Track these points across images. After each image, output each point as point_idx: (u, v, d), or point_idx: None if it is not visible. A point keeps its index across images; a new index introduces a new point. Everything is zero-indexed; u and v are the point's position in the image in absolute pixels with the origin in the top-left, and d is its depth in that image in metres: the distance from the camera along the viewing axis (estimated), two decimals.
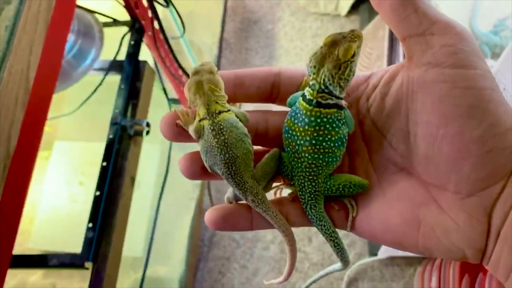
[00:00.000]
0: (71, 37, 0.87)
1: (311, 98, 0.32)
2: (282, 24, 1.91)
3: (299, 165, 0.34)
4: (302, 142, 0.33)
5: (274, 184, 0.38)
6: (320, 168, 0.34)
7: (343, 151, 0.34)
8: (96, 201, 0.77)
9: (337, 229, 0.35)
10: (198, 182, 1.47)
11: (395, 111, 0.32)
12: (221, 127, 0.33)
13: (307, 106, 0.33)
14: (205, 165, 0.34)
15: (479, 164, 0.28)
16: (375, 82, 0.34)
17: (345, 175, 0.35)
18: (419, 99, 0.30)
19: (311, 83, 0.33)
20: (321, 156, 0.33)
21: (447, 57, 0.28)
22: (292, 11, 1.95)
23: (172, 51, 1.04)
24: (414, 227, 0.30)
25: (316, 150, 0.33)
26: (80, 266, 0.72)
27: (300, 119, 0.33)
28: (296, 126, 0.33)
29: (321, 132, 0.33)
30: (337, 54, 0.31)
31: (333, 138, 0.33)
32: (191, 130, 0.34)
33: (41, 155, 0.91)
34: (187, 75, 1.11)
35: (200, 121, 0.34)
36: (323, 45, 0.32)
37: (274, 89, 0.36)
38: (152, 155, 1.16)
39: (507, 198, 0.27)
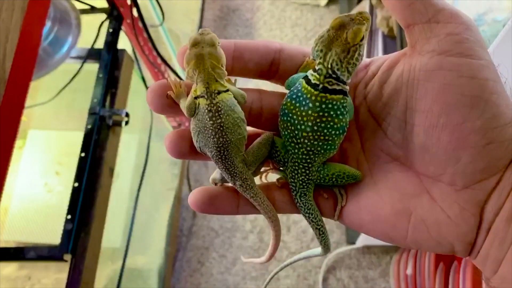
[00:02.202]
0: (47, 24, 0.84)
1: (317, 82, 0.31)
2: (261, 13, 1.90)
3: (296, 150, 0.33)
4: (302, 127, 0.32)
5: (263, 169, 0.37)
6: (317, 155, 0.33)
7: (342, 140, 0.33)
8: (75, 192, 0.76)
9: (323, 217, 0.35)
10: (177, 171, 1.46)
11: (393, 99, 0.31)
12: (219, 109, 0.31)
13: (312, 90, 0.31)
14: (195, 145, 0.32)
15: (477, 156, 0.27)
16: (375, 69, 0.33)
17: (339, 165, 0.34)
18: (420, 87, 0.29)
19: (317, 67, 0.31)
20: (320, 143, 0.32)
21: (453, 45, 0.28)
22: (271, 0, 1.94)
23: (151, 39, 1.02)
24: (404, 218, 0.30)
25: (316, 136, 0.32)
26: (59, 258, 0.70)
27: (304, 103, 0.32)
28: (297, 110, 0.32)
29: (324, 119, 0.31)
30: (345, 37, 0.30)
31: (336, 126, 0.32)
32: (182, 105, 0.32)
33: (15, 144, 0.88)
34: (166, 63, 1.09)
35: (196, 98, 0.32)
36: (330, 28, 0.31)
37: (273, 66, 0.34)
38: (131, 145, 1.15)
39: (501, 192, 0.27)
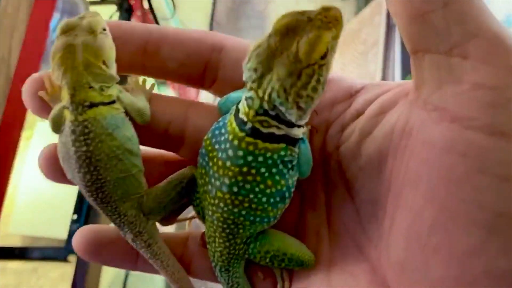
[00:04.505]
0: (55, 16, 0.82)
1: (245, 119, 0.20)
2: (275, 4, 1.86)
3: (210, 213, 0.23)
4: (217, 183, 0.21)
5: (191, 214, 0.26)
6: (240, 227, 0.22)
7: (282, 209, 0.23)
8: (81, 192, 0.74)
9: None
10: None
11: (373, 167, 0.22)
12: (87, 131, 0.21)
13: (237, 130, 0.21)
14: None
15: None
16: (360, 105, 0.23)
17: (282, 239, 0.23)
18: (413, 167, 0.19)
19: (247, 94, 0.20)
20: (243, 212, 0.22)
21: (482, 110, 0.17)
22: None
23: None
24: None
25: (237, 202, 0.21)
26: (64, 259, 0.69)
27: (223, 146, 0.21)
28: (215, 155, 0.22)
29: (249, 178, 0.21)
30: (295, 51, 0.19)
31: (268, 191, 0.21)
32: (50, 115, 0.23)
33: (22, 135, 0.87)
34: None
35: (63, 107, 0.22)
36: (273, 31, 0.20)
37: (209, 71, 0.24)
38: None
39: None
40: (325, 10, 0.20)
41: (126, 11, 0.91)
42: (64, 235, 0.72)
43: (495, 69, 0.17)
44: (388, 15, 1.21)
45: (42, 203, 1.02)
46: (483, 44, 0.17)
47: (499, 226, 0.16)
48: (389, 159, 0.21)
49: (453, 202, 0.17)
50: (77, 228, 0.68)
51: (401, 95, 0.21)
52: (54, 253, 0.68)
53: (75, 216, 0.71)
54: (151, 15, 0.97)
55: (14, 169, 0.63)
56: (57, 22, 0.83)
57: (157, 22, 0.98)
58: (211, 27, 1.62)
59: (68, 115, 0.22)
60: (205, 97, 1.29)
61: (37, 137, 1.06)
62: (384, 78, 1.14)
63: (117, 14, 0.91)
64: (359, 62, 1.29)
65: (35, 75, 0.23)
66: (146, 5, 0.95)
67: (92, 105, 0.22)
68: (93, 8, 0.90)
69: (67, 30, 0.22)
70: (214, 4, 1.66)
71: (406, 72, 1.12)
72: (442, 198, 0.18)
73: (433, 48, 0.18)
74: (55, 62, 0.22)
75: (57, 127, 0.22)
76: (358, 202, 0.23)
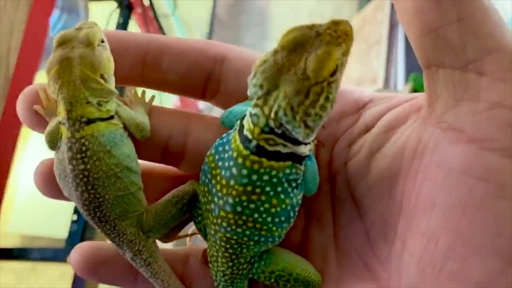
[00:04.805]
0: (55, 13, 0.81)
1: (250, 136, 0.20)
2: (276, 1, 1.85)
3: (212, 232, 0.22)
4: (221, 202, 0.21)
5: (191, 230, 0.26)
6: (243, 246, 0.21)
7: (287, 229, 0.22)
8: None
9: None
10: None
11: (383, 187, 0.21)
12: (84, 148, 0.21)
13: (241, 148, 0.20)
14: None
15: None
16: (370, 120, 0.22)
17: (288, 258, 0.23)
18: (426, 189, 0.18)
19: (253, 111, 0.19)
20: (247, 232, 0.21)
21: (501, 131, 0.16)
22: None
23: (162, 29, 0.99)
24: None
25: (240, 222, 0.21)
26: (63, 260, 0.68)
27: (227, 164, 0.20)
28: (218, 172, 0.21)
29: (254, 197, 0.20)
30: (303, 68, 0.18)
31: (273, 210, 0.20)
32: (45, 131, 0.22)
33: (21, 134, 0.87)
34: None
35: (60, 123, 0.21)
36: (280, 47, 0.19)
37: (211, 83, 0.23)
38: None
39: None
40: (335, 24, 0.19)
41: (127, 8, 0.90)
42: (63, 234, 0.71)
43: None
44: (392, 13, 1.20)
45: (41, 202, 1.01)
46: (501, 60, 0.16)
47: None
48: (400, 179, 0.20)
49: (470, 228, 0.16)
50: (77, 229, 0.66)
51: (411, 111, 0.20)
52: (54, 254, 0.67)
53: (75, 217, 0.70)
54: (151, 12, 0.96)
55: (13, 168, 0.62)
56: (56, 19, 0.82)
57: (157, 19, 0.97)
58: (212, 24, 1.60)
59: (65, 132, 0.21)
60: (203, 104, 1.28)
61: (36, 136, 1.05)
62: (387, 76, 1.13)
63: (118, 11, 0.90)
64: (362, 60, 1.28)
65: (30, 88, 0.22)
66: (146, 2, 0.94)
67: (90, 121, 0.21)
68: (93, 5, 0.89)
69: (64, 42, 0.21)
70: (214, 0, 1.65)
71: (409, 71, 1.10)
72: (458, 224, 0.17)
73: (448, 63, 0.17)
74: (51, 75, 0.21)
75: (53, 143, 0.22)
76: (367, 221, 0.22)
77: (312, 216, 0.24)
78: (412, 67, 1.10)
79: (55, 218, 0.95)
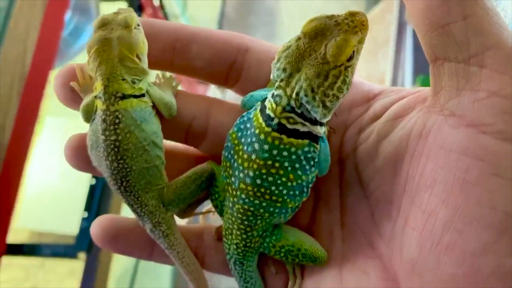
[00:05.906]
0: (67, 13, 0.82)
1: (272, 115, 0.22)
2: (285, 1, 1.85)
3: (230, 204, 0.24)
4: (241, 175, 0.22)
5: (206, 208, 0.28)
6: (258, 218, 0.23)
7: (300, 202, 0.24)
8: (92, 190, 0.74)
9: None
10: None
11: (389, 169, 0.22)
12: (117, 121, 0.22)
13: (264, 125, 0.22)
14: (91, 160, 0.24)
15: None
16: (379, 110, 0.24)
17: (297, 235, 0.24)
18: (428, 169, 0.20)
19: (276, 92, 0.22)
20: (263, 204, 0.23)
21: (497, 117, 0.18)
22: None
23: None
24: None
25: (259, 194, 0.22)
26: (74, 256, 0.69)
27: (249, 140, 0.22)
28: (240, 148, 0.23)
29: (273, 170, 0.22)
30: (323, 53, 0.20)
31: (289, 184, 0.22)
32: (82, 104, 0.24)
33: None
34: None
35: (96, 97, 0.23)
36: (302, 34, 0.21)
37: (234, 71, 0.25)
38: None
39: None
40: (352, 15, 0.21)
41: (137, 8, 0.91)
42: (73, 231, 0.72)
43: (510, 79, 0.18)
44: (400, 13, 1.20)
45: (51, 198, 1.02)
46: (500, 55, 0.18)
47: (510, 227, 0.17)
48: (405, 161, 0.22)
49: (466, 203, 0.18)
50: (87, 226, 0.68)
51: (418, 101, 0.22)
52: (65, 250, 0.68)
53: (86, 214, 0.71)
54: (161, 12, 0.96)
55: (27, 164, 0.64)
56: (68, 19, 0.83)
57: (167, 19, 0.98)
58: (221, 24, 1.61)
59: (100, 105, 0.23)
60: (212, 93, 1.29)
61: (46, 132, 1.06)
62: (394, 78, 1.13)
63: None
64: (369, 60, 1.28)
65: (67, 66, 0.24)
66: (156, 2, 0.95)
67: (124, 97, 0.23)
68: (104, 6, 0.89)
69: (104, 25, 0.23)
70: (224, 0, 1.66)
71: (417, 72, 1.11)
72: (456, 199, 0.18)
73: (452, 57, 0.19)
74: (91, 54, 0.23)
75: (88, 116, 0.23)
76: (373, 202, 0.23)
77: (321, 198, 0.26)
78: (419, 69, 1.10)
79: (64, 214, 0.96)
